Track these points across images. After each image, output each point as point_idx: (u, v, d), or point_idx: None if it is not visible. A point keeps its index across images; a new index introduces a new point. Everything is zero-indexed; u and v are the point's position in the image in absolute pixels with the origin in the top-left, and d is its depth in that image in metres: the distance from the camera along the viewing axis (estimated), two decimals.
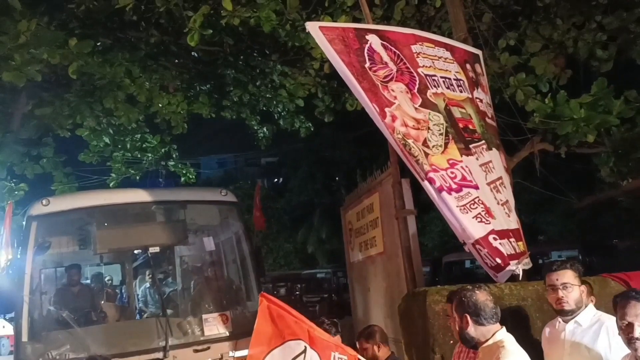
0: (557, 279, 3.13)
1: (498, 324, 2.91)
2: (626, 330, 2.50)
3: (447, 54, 5.44)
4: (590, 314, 3.11)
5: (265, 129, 11.47)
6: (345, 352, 3.15)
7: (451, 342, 4.15)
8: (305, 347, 3.02)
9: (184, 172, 12.27)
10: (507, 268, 4.29)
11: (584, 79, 7.63)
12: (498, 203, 4.87)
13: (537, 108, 6.45)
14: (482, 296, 2.91)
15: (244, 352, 5.91)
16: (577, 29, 7.39)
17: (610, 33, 7.16)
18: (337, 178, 25.22)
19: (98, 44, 8.57)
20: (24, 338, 5.55)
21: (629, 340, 2.49)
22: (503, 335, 2.88)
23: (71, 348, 5.58)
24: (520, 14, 7.81)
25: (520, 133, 6.90)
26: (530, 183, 8.99)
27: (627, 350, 2.66)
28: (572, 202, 10.08)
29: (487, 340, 2.87)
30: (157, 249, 6.36)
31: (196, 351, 5.77)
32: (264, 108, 10.75)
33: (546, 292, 3.43)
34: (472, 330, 2.88)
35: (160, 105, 9.87)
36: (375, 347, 4.23)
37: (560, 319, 3.19)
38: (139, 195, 6.33)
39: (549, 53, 7.40)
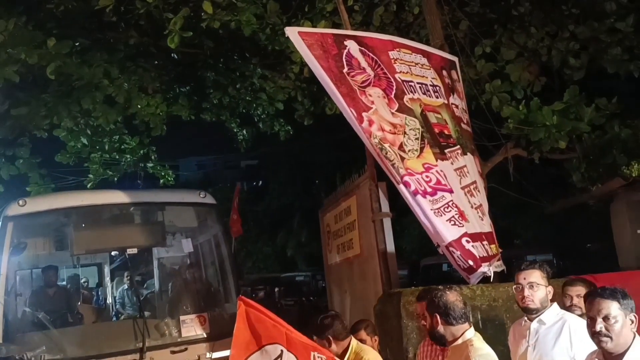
0: (524, 278, 3.23)
1: (467, 324, 3.02)
2: (590, 325, 2.62)
3: (424, 60, 5.57)
4: (554, 313, 3.23)
5: (245, 132, 11.48)
6: (324, 353, 3.20)
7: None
8: (282, 350, 3.06)
9: (162, 174, 12.18)
10: (479, 270, 4.42)
11: (558, 86, 7.83)
12: (472, 207, 5.01)
13: (511, 114, 6.61)
14: (452, 297, 3.01)
15: (221, 354, 5.93)
16: (550, 37, 7.57)
17: (582, 42, 7.35)
18: (317, 181, 25.29)
19: (76, 44, 8.49)
20: None
21: (592, 335, 2.62)
22: (472, 335, 2.99)
23: (47, 349, 5.52)
24: (495, 22, 7.97)
25: (495, 139, 7.04)
26: (505, 187, 9.15)
27: (590, 348, 2.78)
28: (544, 207, 10.28)
29: (456, 339, 2.97)
30: (135, 251, 6.35)
31: (173, 352, 5.76)
32: (244, 111, 10.75)
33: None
34: (441, 329, 2.98)
35: (139, 106, 9.79)
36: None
37: (525, 317, 3.31)
38: (117, 197, 6.32)
39: (524, 61, 7.57)
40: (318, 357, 3.12)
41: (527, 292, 3.20)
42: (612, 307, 2.55)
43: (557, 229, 17.53)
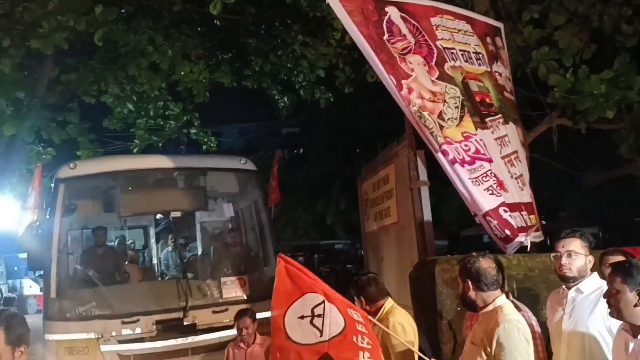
0: (562, 246, 3.22)
1: (499, 291, 3.03)
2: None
3: (467, 27, 5.45)
4: (592, 282, 3.20)
5: (285, 99, 11.54)
6: (358, 310, 3.25)
7: (458, 309, 4.30)
8: (324, 300, 3.12)
9: (205, 140, 12.42)
10: (516, 240, 4.40)
11: (609, 54, 7.53)
12: (512, 176, 4.95)
13: (558, 83, 6.41)
14: (484, 263, 3.02)
15: (260, 315, 6.12)
16: (602, 2, 7.24)
17: (635, 8, 7.01)
18: (357, 150, 25.20)
19: (122, 11, 8.68)
20: (52, 295, 5.81)
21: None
22: (502, 302, 3.00)
23: (97, 305, 5.84)
24: None
25: (540, 108, 6.87)
26: (550, 158, 8.94)
27: None
28: (589, 178, 10.00)
29: (487, 305, 2.99)
30: (178, 214, 6.55)
31: (215, 312, 5.98)
32: (285, 78, 10.80)
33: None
34: (472, 294, 3.01)
35: (182, 73, 9.99)
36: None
37: (564, 286, 3.29)
38: (163, 162, 6.51)
39: (573, 27, 7.27)
40: (353, 312, 3.17)
41: (564, 260, 3.19)
42: None
43: (604, 202, 17.05)
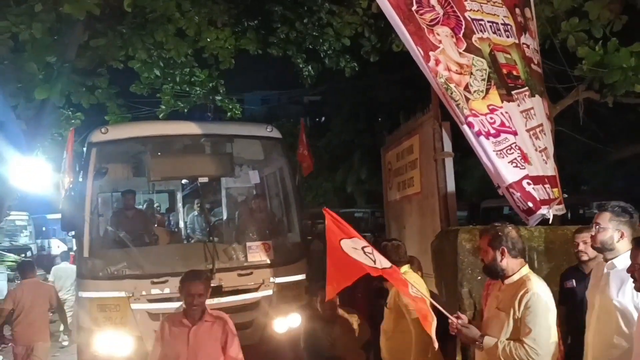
0: (594, 220, 3.24)
1: (523, 260, 3.16)
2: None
3: None
4: (627, 257, 3.10)
5: (310, 68, 11.53)
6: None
7: (479, 277, 4.42)
8: (368, 244, 3.35)
9: (230, 107, 12.52)
10: (538, 212, 4.47)
11: None
12: (536, 150, 4.99)
13: (587, 55, 6.35)
14: (515, 232, 3.16)
15: (284, 279, 6.31)
16: None
17: None
18: (379, 119, 25.08)
19: None
20: (85, 254, 6.01)
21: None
22: (527, 270, 3.14)
23: (127, 265, 6.05)
24: None
25: (567, 81, 6.82)
26: (576, 132, 8.88)
27: None
28: (614, 153, 9.92)
29: (513, 274, 3.11)
30: (205, 180, 6.70)
31: (240, 275, 6.13)
32: (310, 46, 10.76)
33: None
34: (504, 262, 3.11)
35: (208, 39, 10.03)
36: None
37: (601, 259, 3.28)
38: (191, 128, 6.60)
39: None
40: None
41: (592, 232, 3.23)
42: None
43: (629, 177, 16.84)
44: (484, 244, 3.21)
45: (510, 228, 3.16)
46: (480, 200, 19.11)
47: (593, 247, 3.31)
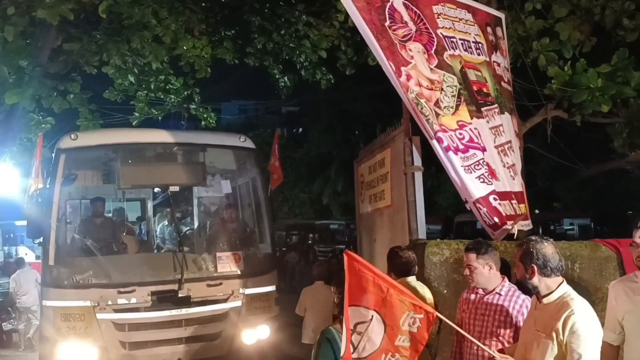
0: (638, 236, 3.09)
1: (561, 277, 2.95)
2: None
3: (469, 16, 5.51)
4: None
5: (286, 79, 11.57)
6: (422, 310, 3.11)
7: (445, 291, 4.45)
8: (373, 316, 3.08)
9: (205, 116, 12.45)
10: (504, 227, 4.52)
11: (609, 48, 7.59)
12: (504, 166, 5.06)
13: (556, 75, 6.50)
14: (550, 248, 2.94)
15: (253, 290, 6.27)
16: None
17: (638, 3, 7.07)
18: (356, 132, 25.26)
19: None
20: (51, 262, 5.90)
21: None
22: (567, 288, 2.93)
23: (93, 274, 5.95)
24: None
25: (536, 99, 6.96)
26: (546, 150, 9.06)
27: None
28: (581, 170, 10.15)
29: (551, 293, 2.92)
30: (176, 188, 6.63)
31: (209, 286, 6.09)
32: (287, 57, 10.82)
33: None
34: (536, 280, 2.91)
35: (185, 48, 10.01)
36: None
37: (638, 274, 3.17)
38: (163, 136, 6.57)
39: (575, 19, 7.34)
40: (413, 316, 3.09)
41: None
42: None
43: (598, 195, 17.22)
44: (517, 258, 3.03)
45: (545, 244, 2.93)
46: (454, 215, 19.34)
47: None
